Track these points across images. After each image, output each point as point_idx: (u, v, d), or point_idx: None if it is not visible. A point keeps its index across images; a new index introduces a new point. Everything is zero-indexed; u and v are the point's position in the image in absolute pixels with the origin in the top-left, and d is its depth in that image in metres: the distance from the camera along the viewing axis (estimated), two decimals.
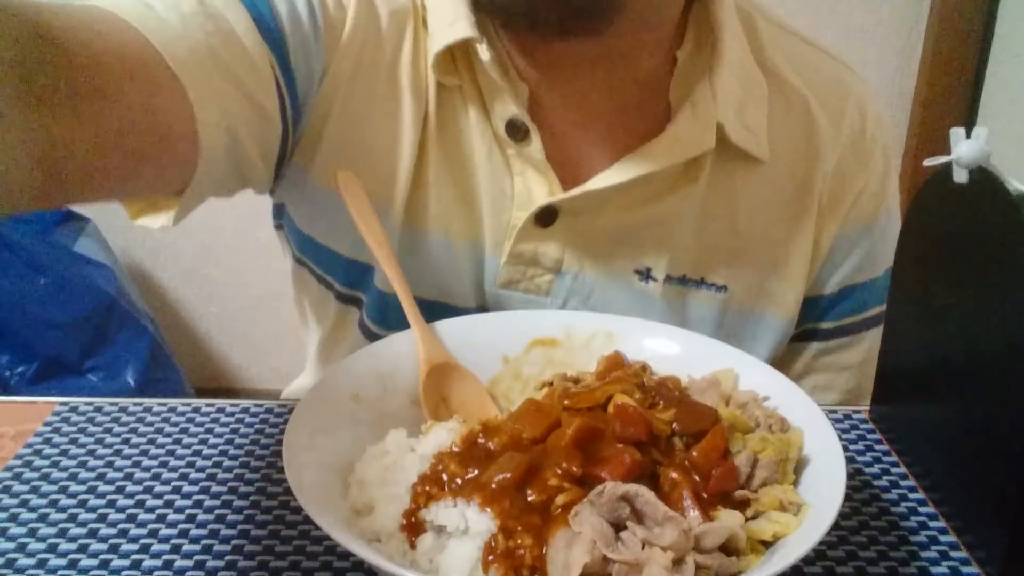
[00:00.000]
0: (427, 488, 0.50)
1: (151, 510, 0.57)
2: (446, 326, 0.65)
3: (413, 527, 0.49)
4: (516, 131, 0.68)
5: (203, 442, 0.64)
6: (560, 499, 0.47)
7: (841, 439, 0.56)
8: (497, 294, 0.73)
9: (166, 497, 0.58)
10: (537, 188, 0.70)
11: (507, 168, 0.70)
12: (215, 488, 0.59)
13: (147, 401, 0.69)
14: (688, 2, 0.71)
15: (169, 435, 0.65)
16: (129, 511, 0.57)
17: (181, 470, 0.61)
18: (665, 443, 0.52)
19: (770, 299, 0.75)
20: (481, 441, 0.53)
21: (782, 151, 0.73)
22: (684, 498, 0.49)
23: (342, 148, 0.70)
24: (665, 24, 0.69)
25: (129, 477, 0.60)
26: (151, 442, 0.64)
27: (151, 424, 0.66)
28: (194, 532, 0.55)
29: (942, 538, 0.56)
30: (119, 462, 0.62)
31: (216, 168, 0.60)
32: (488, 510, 0.47)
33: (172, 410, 0.68)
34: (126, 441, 0.64)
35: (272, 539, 0.55)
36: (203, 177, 0.59)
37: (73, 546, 0.54)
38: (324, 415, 0.55)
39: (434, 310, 0.72)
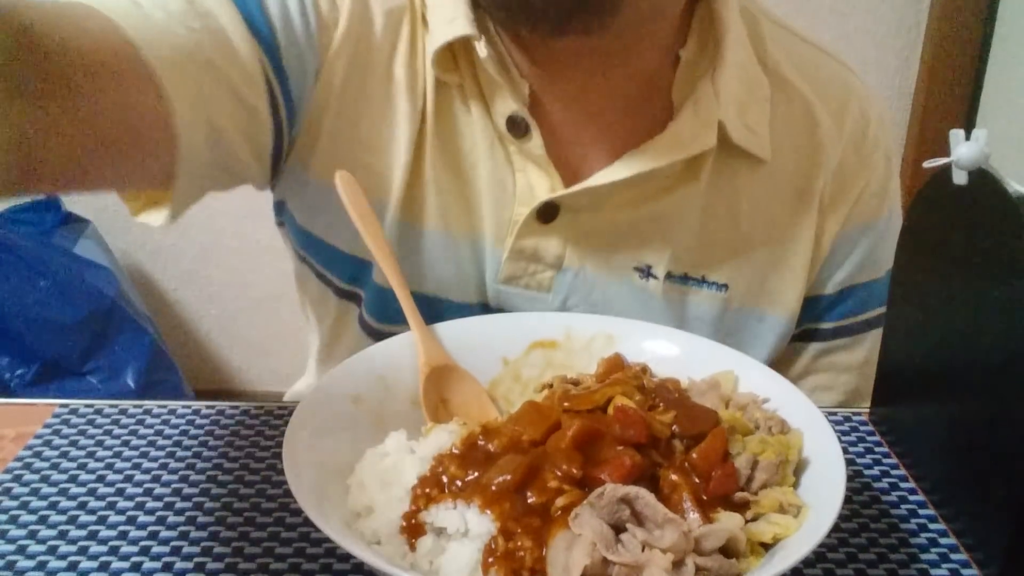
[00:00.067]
0: (427, 490, 0.50)
1: (151, 512, 0.57)
2: (446, 328, 0.65)
3: (413, 529, 0.49)
4: (517, 127, 0.69)
5: (203, 444, 0.64)
6: (560, 501, 0.47)
7: (841, 441, 0.56)
8: (498, 290, 0.73)
9: (166, 499, 0.58)
10: (539, 184, 0.70)
11: (509, 164, 0.71)
12: (215, 490, 0.59)
13: (147, 403, 0.69)
14: (692, 1, 0.71)
15: (169, 437, 0.65)
16: (129, 513, 0.57)
17: (181, 472, 0.61)
18: (665, 445, 0.52)
19: (771, 298, 0.75)
20: (481, 443, 0.53)
21: (784, 151, 0.73)
22: (684, 500, 0.49)
23: (338, 145, 0.70)
24: (665, 23, 0.69)
25: (129, 479, 0.60)
26: (151, 444, 0.64)
27: (151, 426, 0.66)
28: (194, 534, 0.55)
29: (942, 540, 0.56)
30: (119, 464, 0.62)
31: (200, 163, 0.60)
32: (488, 512, 0.47)
33: (172, 412, 0.68)
34: (126, 443, 0.64)
35: (272, 541, 0.55)
36: (187, 172, 0.59)
37: (73, 548, 0.54)
38: (324, 417, 0.55)
39: (433, 305, 0.73)
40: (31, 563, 0.53)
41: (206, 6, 0.61)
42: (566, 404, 0.55)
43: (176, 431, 0.65)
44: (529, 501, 0.48)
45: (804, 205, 0.74)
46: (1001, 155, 0.53)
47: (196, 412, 0.68)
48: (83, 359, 1.77)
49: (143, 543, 0.54)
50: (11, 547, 0.54)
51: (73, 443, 0.64)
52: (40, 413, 0.67)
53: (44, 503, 0.58)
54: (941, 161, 0.54)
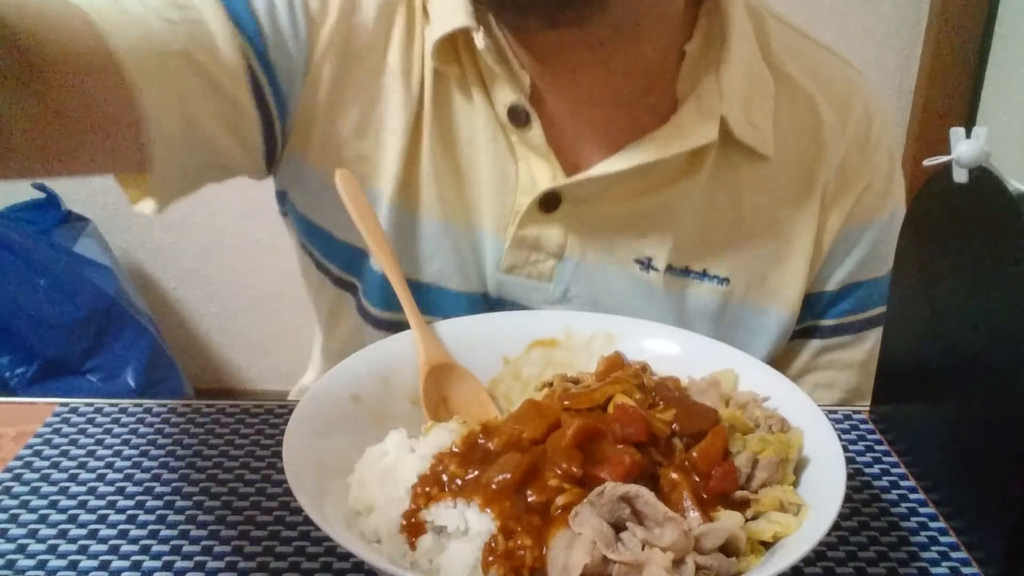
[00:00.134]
0: (427, 489, 0.50)
1: (151, 511, 0.57)
2: (446, 327, 0.65)
3: (413, 528, 0.49)
4: (518, 117, 0.70)
5: (203, 443, 0.64)
6: (560, 500, 0.47)
7: (841, 439, 0.56)
8: (500, 280, 0.74)
9: (166, 498, 0.58)
10: (540, 174, 0.71)
11: (511, 154, 0.71)
12: (215, 489, 0.59)
13: (147, 402, 0.69)
14: None
15: (169, 436, 0.65)
16: (129, 512, 0.57)
17: (181, 471, 0.61)
18: (665, 444, 0.52)
19: (772, 293, 0.76)
20: (481, 442, 0.53)
21: (787, 147, 0.74)
22: (684, 499, 0.49)
23: (331, 134, 0.71)
24: (665, 17, 0.70)
25: (129, 478, 0.60)
26: (151, 443, 0.64)
27: (151, 425, 0.66)
28: (194, 533, 0.55)
29: (942, 539, 0.56)
30: (119, 463, 0.62)
31: (176, 152, 0.62)
32: (488, 511, 0.47)
33: (172, 411, 0.68)
34: (126, 442, 0.64)
35: (272, 540, 0.55)
36: (164, 160, 0.61)
37: (73, 547, 0.54)
38: (324, 416, 0.55)
39: (432, 294, 0.74)
40: (31, 562, 0.53)
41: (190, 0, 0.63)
42: (566, 403, 0.55)
43: (176, 430, 0.65)
44: (529, 500, 0.48)
45: (806, 201, 0.74)
46: (1001, 154, 0.53)
47: (196, 411, 0.68)
48: (83, 358, 1.77)
49: (143, 542, 0.54)
50: (11, 546, 0.54)
51: (73, 442, 0.64)
52: (40, 412, 0.67)
53: (44, 502, 0.58)
54: (941, 159, 0.54)
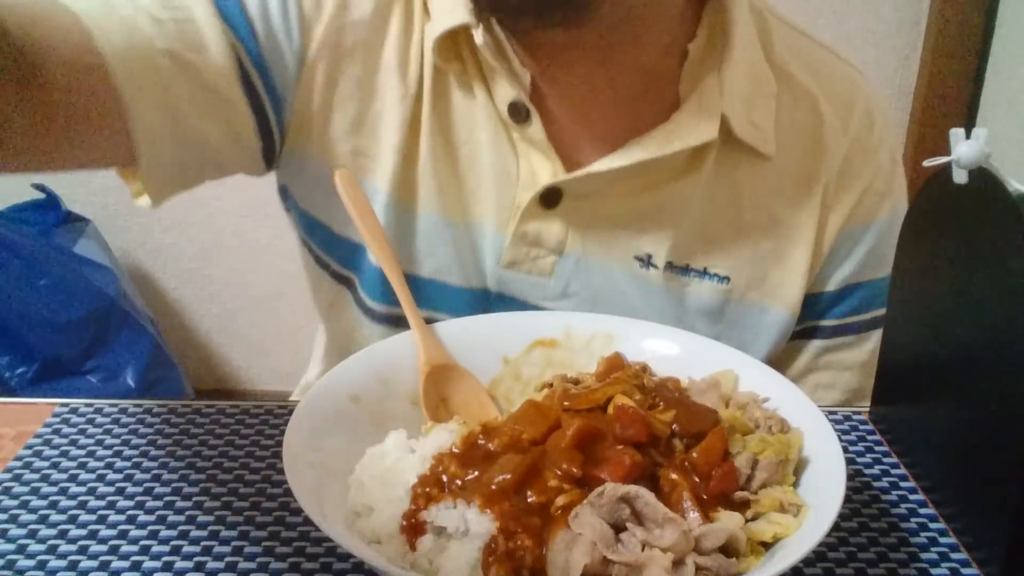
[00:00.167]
0: (427, 489, 0.50)
1: (151, 511, 0.57)
2: (446, 327, 0.65)
3: (413, 528, 0.49)
4: (518, 113, 0.70)
5: (203, 443, 0.64)
6: (560, 500, 0.47)
7: (841, 440, 0.56)
8: (500, 275, 0.74)
9: (166, 499, 0.58)
10: (541, 170, 0.72)
11: (513, 150, 0.72)
12: (215, 489, 0.59)
13: (147, 403, 0.69)
14: None
15: (169, 436, 0.65)
16: (129, 512, 0.57)
17: (181, 471, 0.61)
18: (665, 444, 0.52)
19: (772, 292, 0.76)
20: (481, 442, 0.53)
21: (788, 146, 0.74)
22: (684, 499, 0.49)
23: (328, 128, 0.72)
24: (664, 17, 0.70)
25: (129, 478, 0.60)
26: (151, 443, 0.64)
27: (151, 426, 0.66)
28: (194, 533, 0.55)
29: (942, 539, 0.56)
30: (119, 463, 0.62)
31: (162, 149, 0.65)
32: (488, 511, 0.47)
33: (172, 411, 0.68)
34: (126, 443, 0.64)
35: (272, 540, 0.55)
36: (151, 156, 0.64)
37: (73, 547, 0.54)
38: (324, 416, 0.55)
39: (432, 289, 0.74)
40: (31, 562, 0.53)
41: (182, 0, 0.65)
42: (566, 403, 0.55)
43: (176, 430, 0.65)
44: (529, 500, 0.48)
45: (807, 201, 0.75)
46: (1001, 154, 0.53)
47: (196, 412, 0.68)
48: (83, 358, 1.77)
49: (143, 542, 0.54)
50: (11, 546, 0.54)
51: (73, 442, 0.64)
52: (40, 412, 0.67)
53: (44, 502, 0.58)
54: (941, 160, 0.54)
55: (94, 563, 0.53)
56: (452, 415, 0.61)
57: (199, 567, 0.52)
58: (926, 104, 1.88)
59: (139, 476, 0.60)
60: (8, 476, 0.60)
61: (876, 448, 0.65)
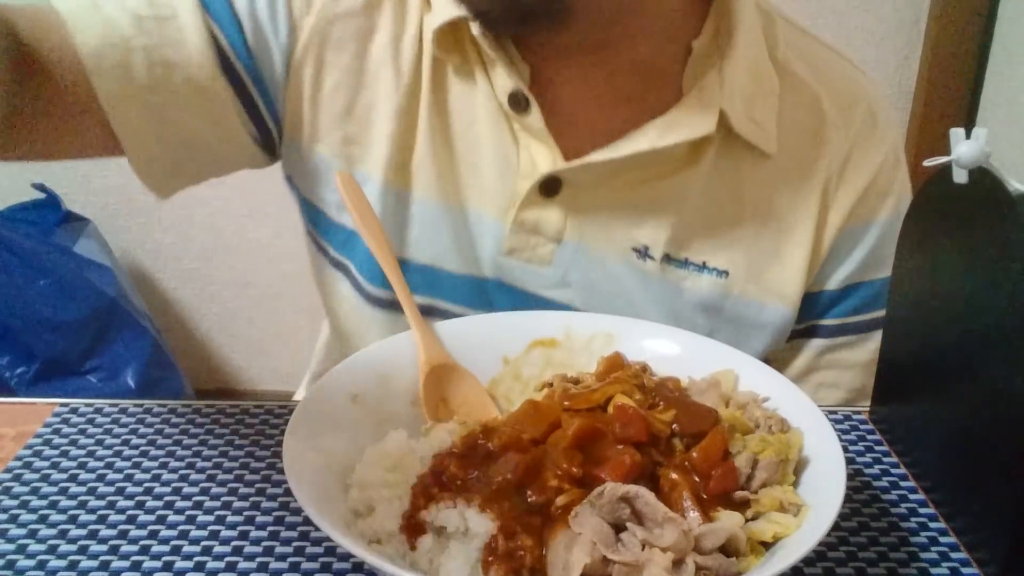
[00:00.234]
0: (427, 489, 0.50)
1: (151, 511, 0.57)
2: (446, 327, 0.65)
3: (413, 528, 0.49)
4: (518, 103, 0.71)
5: (203, 443, 0.64)
6: (560, 500, 0.47)
7: (841, 440, 0.56)
8: (500, 263, 0.75)
9: (166, 499, 0.58)
10: (541, 159, 0.72)
11: (513, 139, 0.73)
12: (215, 489, 0.59)
13: (147, 402, 0.69)
14: None
15: (169, 436, 0.65)
16: (129, 512, 0.57)
17: (181, 471, 0.61)
18: (665, 444, 0.52)
19: (771, 288, 0.76)
20: (481, 442, 0.53)
21: (790, 144, 0.74)
22: (684, 499, 0.49)
23: (320, 116, 0.74)
24: (658, 15, 0.71)
25: (129, 478, 0.60)
26: (151, 443, 0.64)
27: (151, 425, 0.66)
28: (194, 533, 0.55)
29: (942, 539, 0.56)
30: (119, 463, 0.62)
31: (147, 145, 0.69)
32: (488, 511, 0.47)
33: (172, 411, 0.68)
34: (126, 442, 0.64)
35: (272, 540, 0.55)
36: (137, 153, 0.69)
37: (73, 547, 0.54)
38: (324, 416, 0.55)
39: (430, 275, 0.75)
40: (31, 562, 0.53)
41: None
42: (566, 403, 0.55)
43: (176, 430, 0.65)
44: (529, 500, 0.48)
45: (808, 198, 0.75)
46: (1001, 154, 0.53)
47: (196, 411, 0.68)
48: (83, 358, 1.77)
49: (143, 542, 0.54)
50: (11, 546, 0.54)
51: (73, 442, 0.64)
52: (40, 412, 0.67)
53: (44, 502, 0.58)
54: (941, 160, 0.54)
55: (94, 563, 0.53)
56: (452, 415, 0.61)
57: (199, 567, 0.52)
58: (926, 104, 1.88)
59: (139, 476, 0.60)
60: (8, 476, 0.60)
61: (876, 448, 0.65)
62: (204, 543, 0.54)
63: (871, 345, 0.80)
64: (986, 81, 1.81)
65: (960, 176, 0.53)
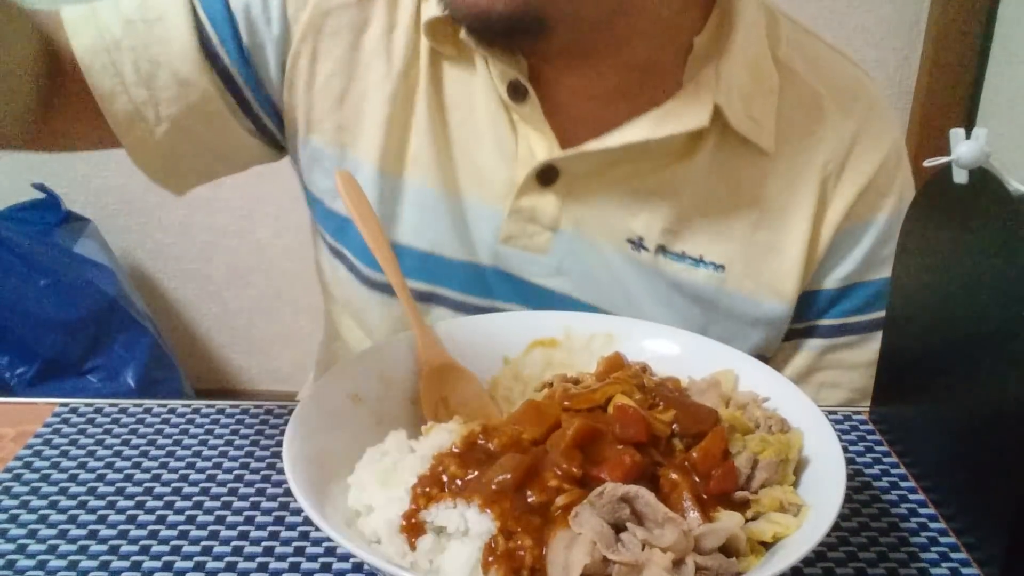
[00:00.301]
0: (427, 489, 0.50)
1: (151, 511, 0.57)
2: (446, 327, 0.65)
3: (413, 528, 0.49)
4: (517, 93, 0.72)
5: (203, 443, 0.64)
6: (560, 500, 0.47)
7: (841, 440, 0.56)
8: (498, 250, 0.76)
9: (166, 498, 0.58)
10: (539, 149, 0.73)
11: (512, 129, 0.74)
12: (215, 489, 0.59)
13: (147, 402, 0.69)
14: None
15: (169, 436, 0.65)
16: (129, 512, 0.57)
17: (181, 471, 0.61)
18: (665, 444, 0.52)
19: (767, 284, 0.76)
20: (481, 442, 0.52)
21: (789, 142, 0.75)
22: (684, 499, 0.49)
23: (314, 107, 0.76)
24: (659, 19, 0.71)
25: (129, 478, 0.60)
26: (151, 443, 0.64)
27: (151, 425, 0.66)
28: (194, 533, 0.55)
29: (942, 539, 0.56)
30: (119, 463, 0.62)
31: (138, 136, 0.74)
32: (488, 511, 0.47)
33: (172, 411, 0.68)
34: (126, 442, 0.64)
35: (272, 540, 0.55)
36: (137, 150, 0.75)
37: (73, 547, 0.54)
38: (324, 416, 0.55)
39: (428, 262, 0.76)
40: (31, 562, 0.53)
41: None
42: (566, 403, 0.55)
43: (176, 430, 0.65)
44: (529, 500, 0.48)
45: (806, 195, 0.75)
46: (1001, 154, 0.53)
47: (196, 411, 0.68)
48: (83, 358, 1.77)
49: (143, 542, 0.54)
50: (11, 546, 0.54)
51: (73, 442, 0.64)
52: (40, 412, 0.67)
53: (44, 502, 0.58)
54: (941, 160, 0.54)
55: (94, 563, 0.53)
56: (452, 415, 0.60)
57: (199, 567, 0.52)
58: (926, 104, 1.88)
59: (139, 476, 0.60)
60: (8, 476, 0.60)
61: (876, 448, 0.65)
62: (204, 543, 0.54)
63: (874, 345, 0.80)
64: (986, 81, 1.81)
65: (960, 176, 0.53)
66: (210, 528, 0.56)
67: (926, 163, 0.55)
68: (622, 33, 0.70)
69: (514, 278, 0.77)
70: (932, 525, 0.57)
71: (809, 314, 0.79)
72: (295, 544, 0.54)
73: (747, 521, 0.49)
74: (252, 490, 0.59)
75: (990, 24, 1.79)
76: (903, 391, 0.65)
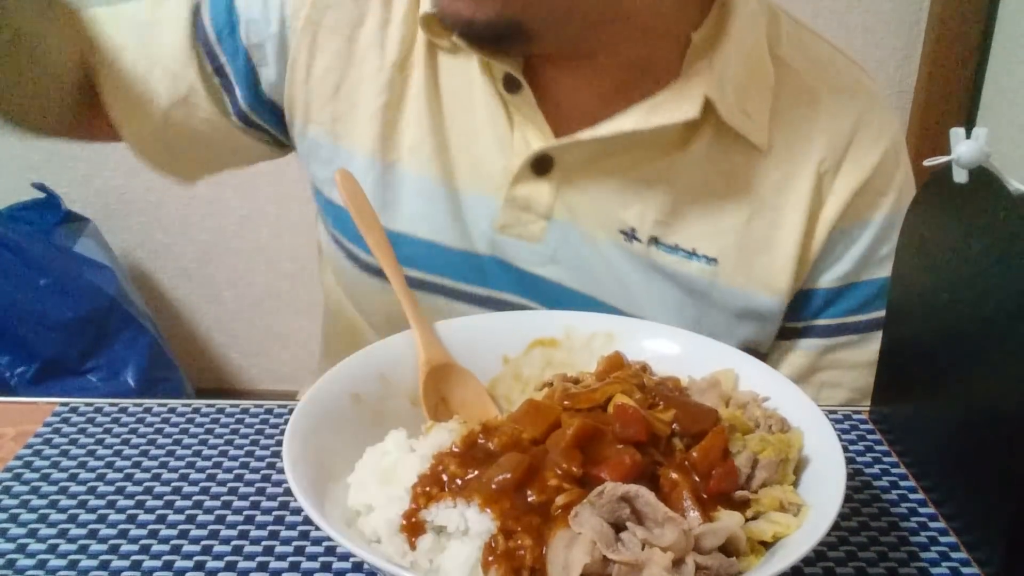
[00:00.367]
0: (427, 489, 0.50)
1: (151, 511, 0.57)
2: (446, 326, 0.65)
3: (413, 528, 0.49)
4: (512, 85, 0.73)
5: (203, 443, 0.64)
6: (560, 500, 0.47)
7: (841, 439, 0.56)
8: (494, 239, 0.77)
9: (166, 498, 0.58)
10: (533, 137, 0.74)
11: (508, 120, 0.75)
12: (215, 489, 0.59)
13: (147, 402, 0.69)
14: None
15: (169, 436, 0.65)
16: (129, 512, 0.57)
17: (181, 471, 0.61)
18: (665, 444, 0.52)
19: (759, 279, 0.76)
20: (481, 441, 0.52)
21: (784, 138, 0.75)
22: (684, 499, 0.49)
23: (310, 99, 0.78)
24: (652, 15, 0.71)
25: (129, 478, 0.60)
26: (151, 443, 0.64)
27: (151, 425, 0.66)
28: (194, 533, 0.55)
29: (942, 539, 0.56)
30: (119, 463, 0.62)
31: (134, 122, 0.79)
32: (488, 511, 0.47)
33: (172, 411, 0.68)
34: (126, 442, 0.64)
35: (272, 540, 0.55)
36: (135, 137, 0.80)
37: (73, 547, 0.54)
38: (324, 415, 0.55)
39: (426, 250, 0.78)
40: (31, 562, 0.53)
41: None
42: (566, 402, 0.55)
43: (176, 430, 0.65)
44: (529, 499, 0.48)
45: (801, 192, 0.75)
46: (1001, 154, 0.54)
47: (196, 411, 0.68)
48: (83, 358, 1.77)
49: (143, 541, 0.54)
50: (11, 546, 0.54)
51: (73, 442, 0.64)
52: (40, 412, 0.67)
53: (44, 502, 0.58)
54: (941, 160, 0.54)
55: (94, 562, 0.53)
56: (452, 415, 0.61)
57: (199, 566, 0.53)
58: (926, 104, 1.88)
59: (139, 475, 0.60)
60: (8, 476, 0.60)
61: (876, 448, 0.65)
62: (204, 543, 0.54)
63: (874, 345, 0.79)
64: (986, 81, 1.81)
65: (960, 176, 0.53)
66: (210, 527, 0.56)
67: (926, 163, 0.55)
68: (615, 36, 0.70)
69: (510, 266, 0.77)
70: (932, 524, 0.57)
71: (806, 313, 0.79)
72: (295, 544, 0.54)
73: (747, 521, 0.50)
74: (252, 489, 0.59)
75: (990, 24, 1.79)
76: (903, 390, 0.65)
